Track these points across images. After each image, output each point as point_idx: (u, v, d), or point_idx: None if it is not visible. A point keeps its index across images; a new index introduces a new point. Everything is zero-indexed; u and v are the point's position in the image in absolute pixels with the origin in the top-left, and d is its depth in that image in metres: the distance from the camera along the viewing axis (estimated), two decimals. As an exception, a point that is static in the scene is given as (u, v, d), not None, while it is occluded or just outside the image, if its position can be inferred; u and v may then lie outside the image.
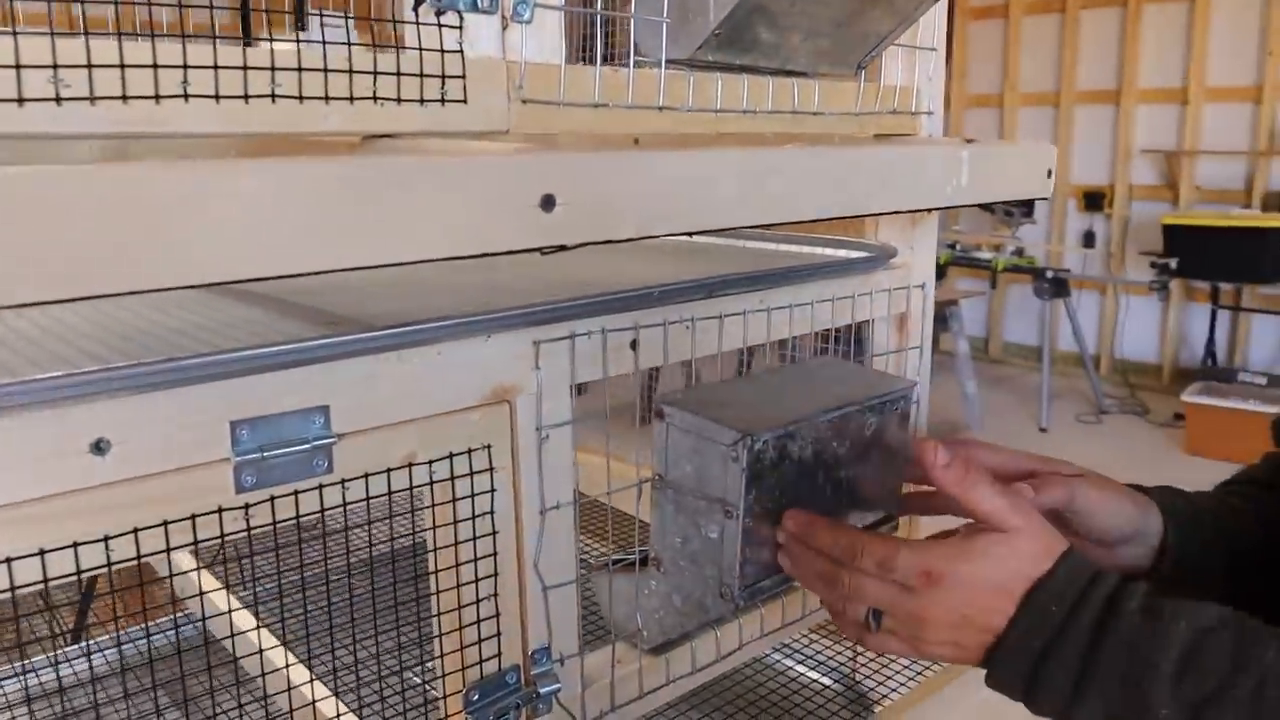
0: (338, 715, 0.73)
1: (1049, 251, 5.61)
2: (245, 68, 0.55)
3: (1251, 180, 5.01)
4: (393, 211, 0.49)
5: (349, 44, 0.59)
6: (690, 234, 0.62)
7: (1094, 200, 5.56)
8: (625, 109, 0.72)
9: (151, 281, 0.46)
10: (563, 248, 0.53)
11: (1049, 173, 0.90)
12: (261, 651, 0.77)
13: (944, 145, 0.82)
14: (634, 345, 0.78)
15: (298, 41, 0.57)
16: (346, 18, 0.72)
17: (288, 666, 0.72)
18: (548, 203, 0.52)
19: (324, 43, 0.58)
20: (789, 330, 0.91)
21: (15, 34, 0.49)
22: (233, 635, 0.71)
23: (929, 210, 0.91)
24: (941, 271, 5.39)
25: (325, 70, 0.58)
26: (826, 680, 1.13)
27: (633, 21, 0.73)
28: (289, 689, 0.72)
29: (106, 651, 1.10)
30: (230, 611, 0.92)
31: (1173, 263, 4.73)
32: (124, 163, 0.46)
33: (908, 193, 0.76)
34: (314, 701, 0.76)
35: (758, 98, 0.82)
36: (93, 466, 0.55)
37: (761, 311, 0.87)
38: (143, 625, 1.16)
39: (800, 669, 1.14)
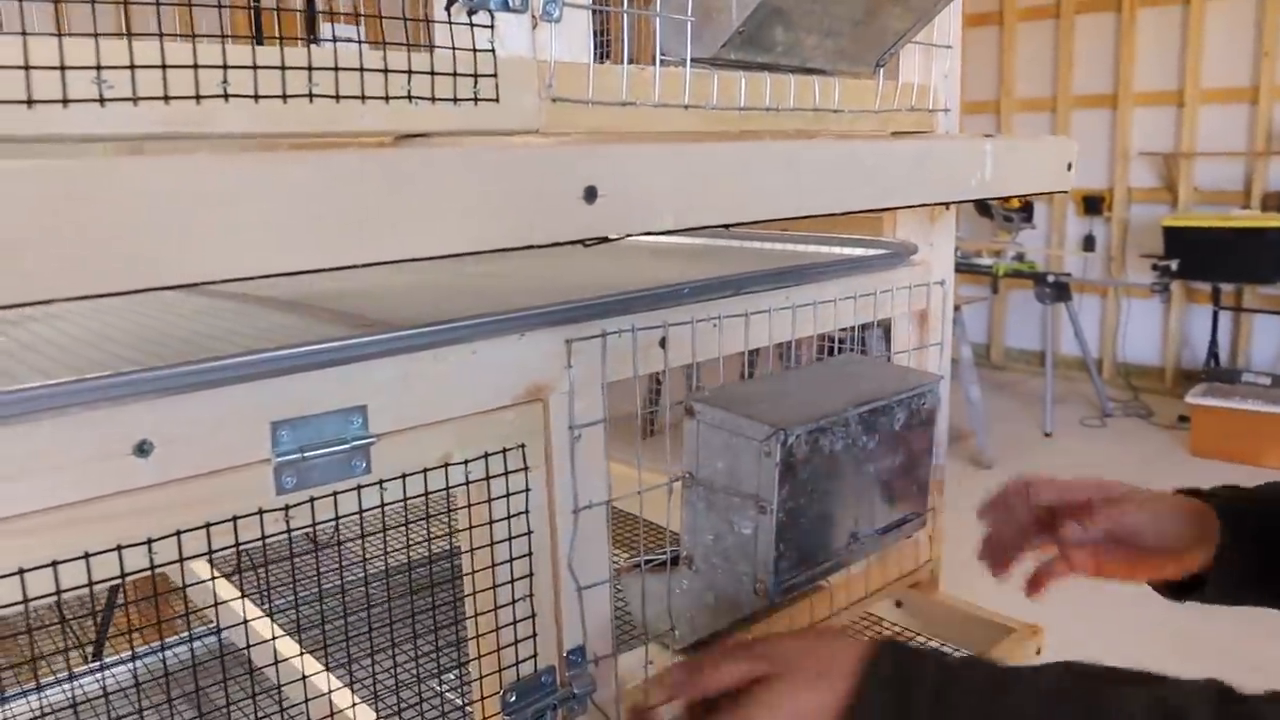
0: None
1: (1049, 256, 5.62)
2: (283, 68, 0.55)
3: (1250, 181, 5.02)
4: (438, 203, 0.49)
5: (383, 44, 0.60)
6: (726, 226, 0.62)
7: (1093, 204, 5.56)
8: (652, 107, 0.73)
9: (202, 274, 0.46)
10: (605, 239, 0.53)
11: (1069, 166, 0.91)
12: (302, 658, 0.77)
13: (967, 140, 0.82)
14: (663, 343, 0.78)
15: (334, 41, 0.57)
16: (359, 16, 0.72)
17: (328, 671, 0.72)
18: (590, 194, 0.52)
19: (360, 42, 0.58)
20: (814, 327, 0.91)
21: (60, 36, 0.49)
22: (274, 644, 0.71)
23: (956, 203, 0.91)
24: (942, 278, 5.37)
25: (361, 70, 0.58)
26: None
27: (658, 21, 0.74)
28: (328, 693, 0.72)
29: (139, 661, 1.09)
30: (273, 618, 0.92)
31: (1173, 264, 4.73)
32: (172, 155, 0.46)
33: (935, 186, 0.77)
34: (352, 706, 0.76)
35: (780, 96, 0.82)
36: (136, 469, 0.55)
37: (786, 309, 0.87)
38: (165, 636, 1.16)
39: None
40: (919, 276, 1.00)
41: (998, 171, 0.81)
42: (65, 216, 0.41)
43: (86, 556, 0.54)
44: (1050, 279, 4.86)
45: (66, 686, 1.09)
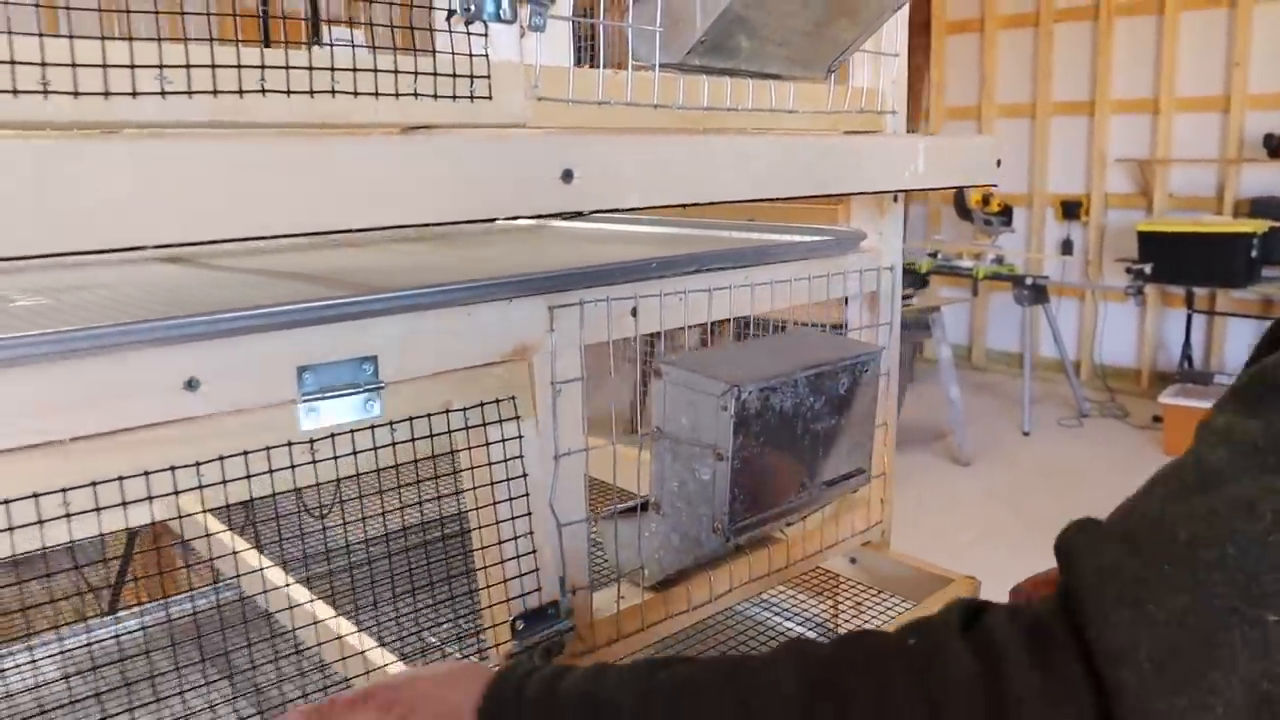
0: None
1: (1028, 259, 5.75)
2: (310, 69, 0.66)
3: (1222, 187, 5.16)
4: (442, 179, 0.60)
5: (394, 48, 0.71)
6: (684, 206, 0.73)
7: (1071, 209, 5.70)
8: (625, 106, 0.84)
9: (257, 230, 0.57)
10: (579, 214, 0.64)
11: (998, 163, 1.02)
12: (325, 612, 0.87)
13: (903, 138, 0.93)
14: (634, 313, 0.89)
15: (352, 46, 0.68)
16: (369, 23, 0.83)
17: (339, 614, 0.82)
18: (567, 175, 0.63)
19: (373, 48, 0.69)
20: (770, 305, 1.02)
21: (130, 40, 0.60)
22: (295, 592, 0.81)
23: (892, 194, 1.02)
24: (923, 280, 5.52)
25: (375, 70, 0.69)
26: (808, 632, 1.23)
27: (630, 30, 0.85)
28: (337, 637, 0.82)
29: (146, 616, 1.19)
30: (308, 562, 1.02)
31: (1148, 268, 4.87)
32: (238, 138, 0.57)
33: (872, 177, 0.88)
34: (377, 647, 0.86)
35: (740, 97, 0.93)
36: (185, 401, 0.65)
37: (746, 287, 0.98)
38: (184, 588, 1.26)
39: (778, 619, 1.25)
40: (869, 262, 1.11)
41: (930, 165, 0.92)
42: (164, 180, 0.52)
43: (146, 475, 0.64)
44: (1029, 282, 4.99)
45: (98, 630, 1.19)
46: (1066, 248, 5.79)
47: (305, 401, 0.70)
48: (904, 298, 4.94)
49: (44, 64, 0.56)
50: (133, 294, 0.84)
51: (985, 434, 4.91)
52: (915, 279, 5.44)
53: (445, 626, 1.15)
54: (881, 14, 0.96)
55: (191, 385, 0.65)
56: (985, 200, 6.05)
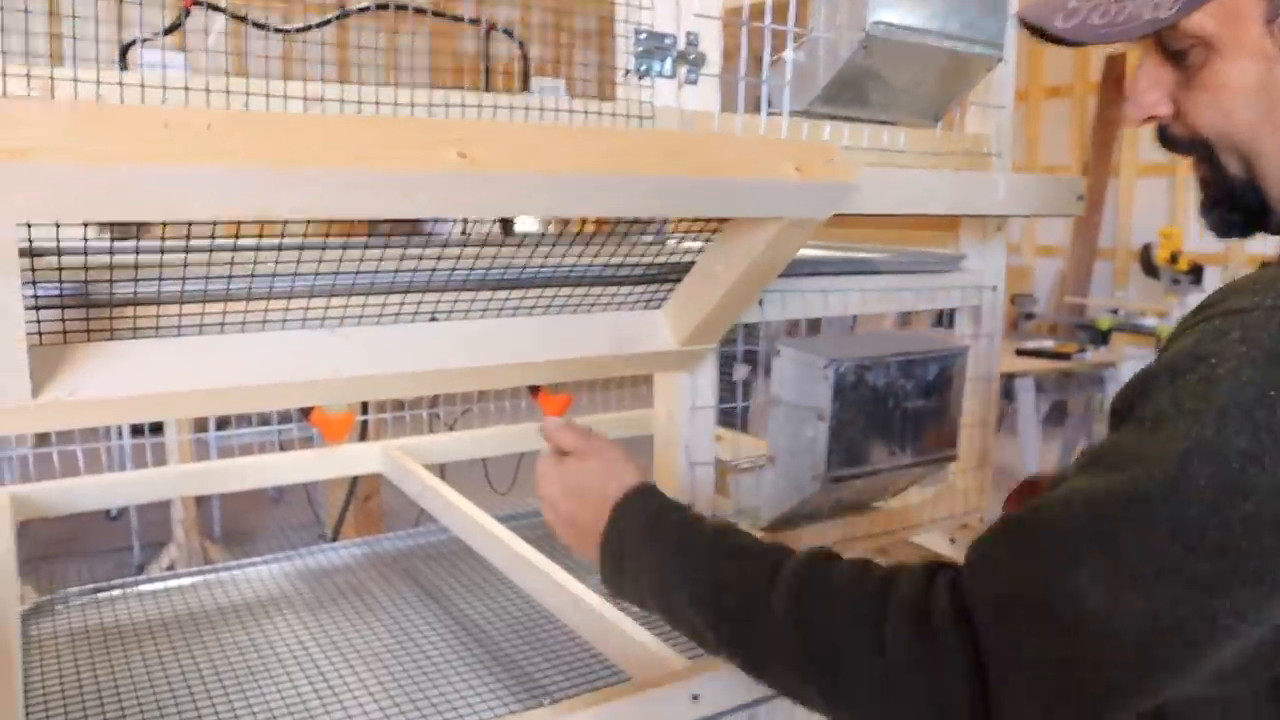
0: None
1: (1218, 320, 5.57)
2: (527, 109, 0.95)
3: None
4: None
5: (584, 97, 0.98)
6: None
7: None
8: (758, 142, 1.08)
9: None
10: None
11: (1079, 197, 1.21)
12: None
13: (988, 173, 1.14)
14: (760, 303, 1.13)
15: (555, 94, 0.96)
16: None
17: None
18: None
19: (570, 95, 0.97)
20: (882, 308, 1.24)
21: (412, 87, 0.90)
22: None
23: (995, 223, 1.22)
24: (1104, 337, 5.48)
25: (585, 112, 0.97)
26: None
27: (765, 84, 1.10)
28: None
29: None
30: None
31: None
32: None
33: (957, 202, 1.09)
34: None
35: (856, 138, 1.16)
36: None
37: (870, 290, 1.21)
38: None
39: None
40: (970, 280, 1.31)
41: (1010, 195, 1.12)
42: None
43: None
44: (1213, 341, 4.86)
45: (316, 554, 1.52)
46: (1260, 310, 5.58)
47: (509, 345, 0.98)
48: (1078, 351, 4.90)
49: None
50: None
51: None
52: (1096, 335, 5.40)
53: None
54: (975, 75, 1.18)
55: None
56: (1173, 258, 5.93)
